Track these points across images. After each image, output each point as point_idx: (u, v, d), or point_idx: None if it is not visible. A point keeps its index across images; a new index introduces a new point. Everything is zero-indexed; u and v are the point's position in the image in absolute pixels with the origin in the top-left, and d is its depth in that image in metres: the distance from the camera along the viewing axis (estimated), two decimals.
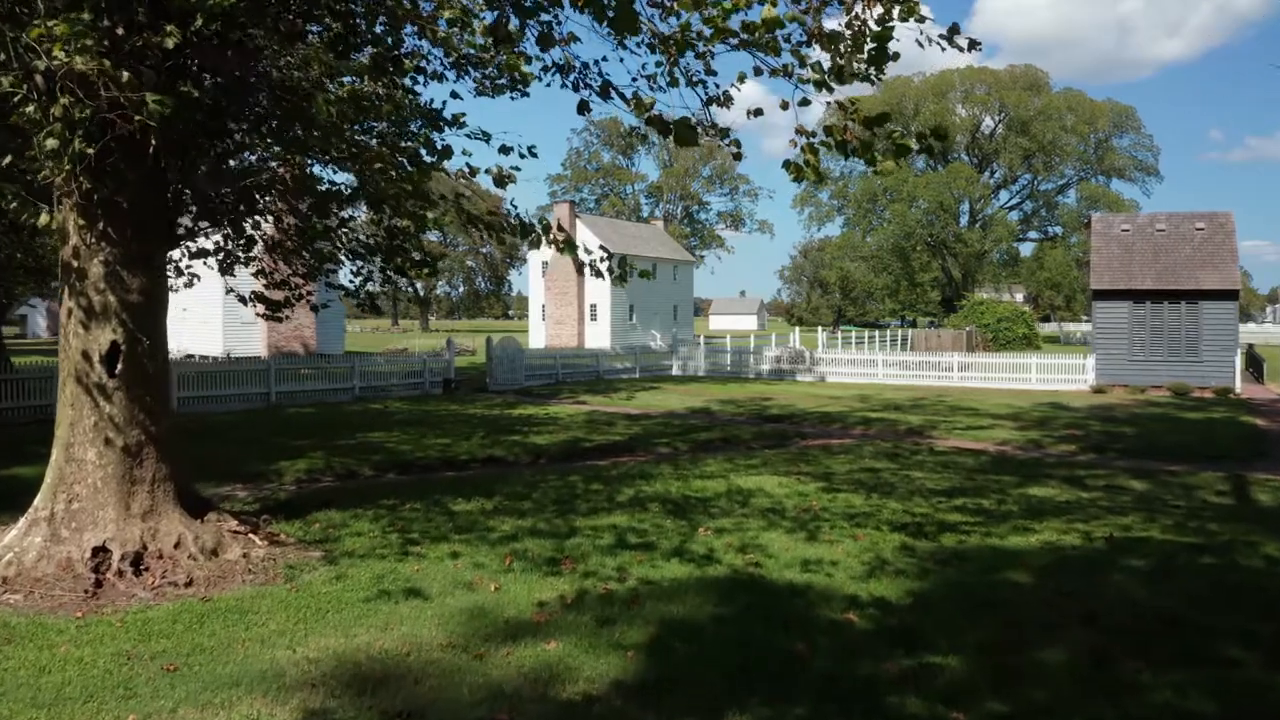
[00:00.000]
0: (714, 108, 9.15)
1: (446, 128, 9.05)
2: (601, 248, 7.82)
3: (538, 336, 57.56)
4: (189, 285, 20.31)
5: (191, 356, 35.19)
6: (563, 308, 56.18)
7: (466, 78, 16.45)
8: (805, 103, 7.07)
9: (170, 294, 9.15)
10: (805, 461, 13.41)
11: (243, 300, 15.41)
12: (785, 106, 7.33)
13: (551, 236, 7.49)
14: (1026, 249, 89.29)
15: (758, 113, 8.58)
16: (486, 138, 9.70)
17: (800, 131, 6.89)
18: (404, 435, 15.84)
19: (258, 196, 9.57)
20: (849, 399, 24.10)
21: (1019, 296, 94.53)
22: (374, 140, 8.78)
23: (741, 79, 9.00)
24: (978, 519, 9.58)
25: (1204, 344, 28.64)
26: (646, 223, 73.18)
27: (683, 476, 11.85)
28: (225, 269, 15.61)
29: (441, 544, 8.14)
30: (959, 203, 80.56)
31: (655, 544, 8.22)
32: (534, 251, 61.81)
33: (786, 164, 7.29)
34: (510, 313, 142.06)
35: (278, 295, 16.28)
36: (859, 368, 32.83)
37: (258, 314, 16.74)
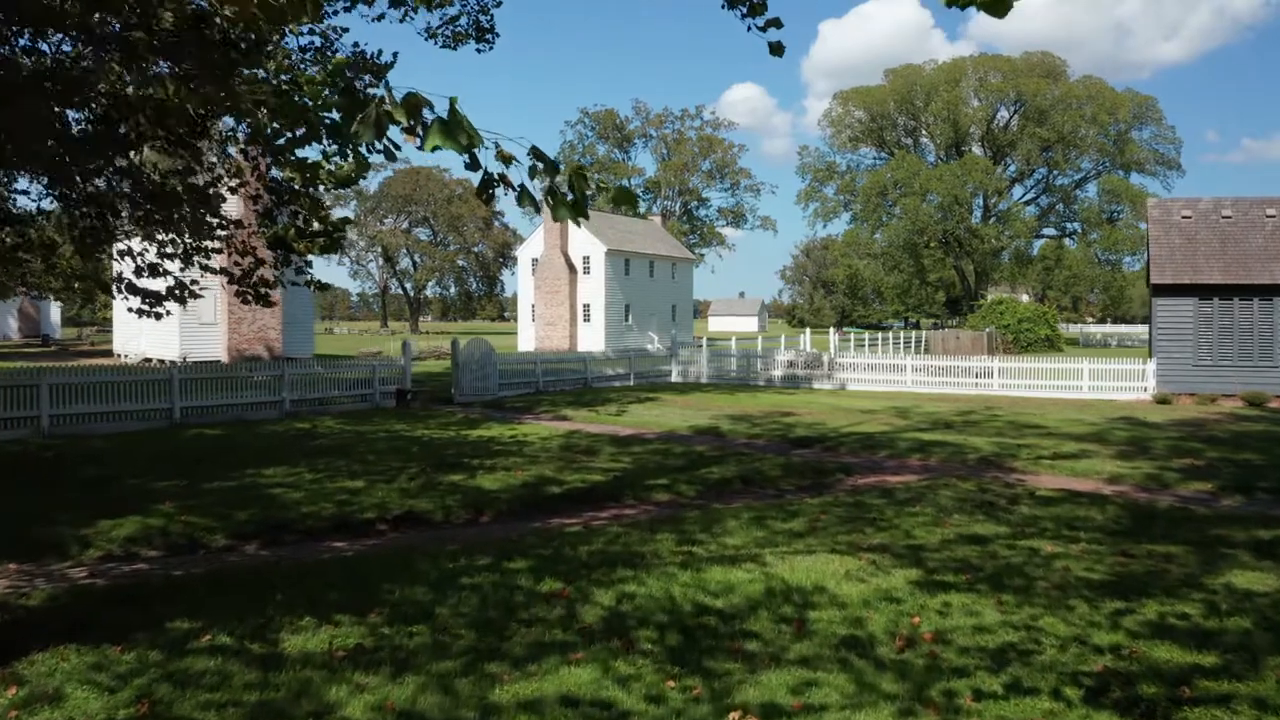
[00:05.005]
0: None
1: None
2: (532, 152, 3.66)
3: (527, 339, 53.49)
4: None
5: (149, 360, 32.30)
6: (554, 308, 52.09)
7: (413, 19, 11.82)
8: None
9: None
10: (869, 522, 9.18)
11: (106, 289, 11.52)
12: None
13: (410, 120, 3.35)
14: (1043, 245, 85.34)
15: None
16: None
17: None
18: (309, 473, 11.66)
19: None
20: (885, 413, 19.95)
21: (1024, 297, 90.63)
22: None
23: None
24: (1210, 660, 5.45)
25: (1279, 346, 24.93)
26: (644, 218, 69.06)
27: (691, 558, 7.62)
28: (83, 249, 11.74)
29: None
30: (973, 197, 76.40)
31: None
32: (524, 249, 57.59)
33: None
34: (506, 314, 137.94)
35: (155, 285, 12.29)
36: (883, 374, 28.73)
37: (130, 309, 12.83)
